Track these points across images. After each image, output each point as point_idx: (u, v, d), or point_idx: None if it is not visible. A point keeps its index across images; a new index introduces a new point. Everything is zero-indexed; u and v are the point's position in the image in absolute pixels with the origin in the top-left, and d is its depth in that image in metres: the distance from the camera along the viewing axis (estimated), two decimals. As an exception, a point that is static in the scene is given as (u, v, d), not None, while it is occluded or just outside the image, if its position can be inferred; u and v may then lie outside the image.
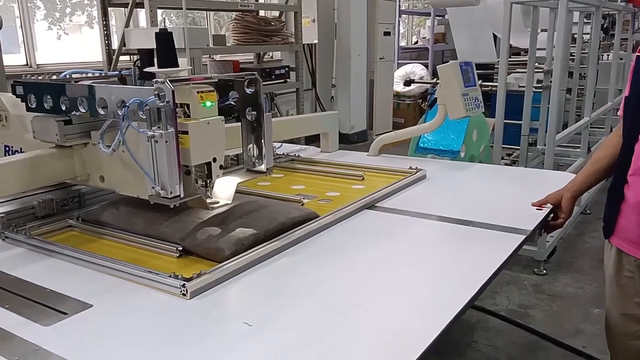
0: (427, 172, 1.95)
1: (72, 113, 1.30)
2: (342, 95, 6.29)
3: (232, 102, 1.40)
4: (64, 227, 1.43)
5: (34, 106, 1.37)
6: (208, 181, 1.24)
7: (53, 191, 1.51)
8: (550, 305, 2.82)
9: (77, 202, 1.54)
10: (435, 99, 2.11)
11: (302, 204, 1.63)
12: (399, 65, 7.95)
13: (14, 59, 4.37)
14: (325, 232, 1.42)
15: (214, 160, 1.23)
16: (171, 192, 1.14)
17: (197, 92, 1.19)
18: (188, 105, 1.20)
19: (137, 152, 1.18)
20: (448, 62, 2.15)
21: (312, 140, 2.60)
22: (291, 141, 2.54)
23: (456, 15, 4.43)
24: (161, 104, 1.13)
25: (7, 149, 1.60)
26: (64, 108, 1.31)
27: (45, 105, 1.35)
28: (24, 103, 1.40)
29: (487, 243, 1.38)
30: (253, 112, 1.37)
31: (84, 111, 1.28)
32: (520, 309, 2.78)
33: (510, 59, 3.34)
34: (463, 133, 2.63)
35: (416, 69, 7.74)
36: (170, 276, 1.08)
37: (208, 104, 1.21)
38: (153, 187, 1.14)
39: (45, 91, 1.34)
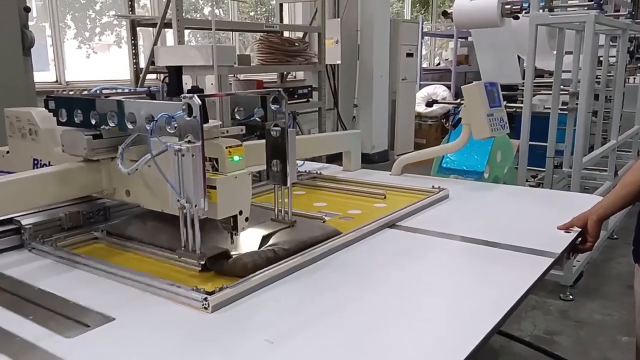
0: (451, 192, 1.93)
1: (102, 127, 1.33)
2: (364, 115, 6.31)
3: (257, 119, 1.41)
4: (90, 239, 1.44)
5: (64, 120, 1.41)
6: (233, 233, 1.24)
7: (79, 204, 1.53)
8: (577, 331, 2.74)
9: (102, 215, 1.56)
10: (460, 119, 2.10)
11: (324, 221, 1.62)
12: (421, 87, 7.96)
13: (45, 76, 4.51)
14: (347, 249, 1.41)
15: (240, 212, 1.24)
16: (195, 205, 1.15)
17: (226, 147, 1.21)
18: (217, 160, 1.22)
19: (163, 166, 1.20)
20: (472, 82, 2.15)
21: (334, 159, 2.61)
22: (313, 159, 2.55)
23: (480, 36, 4.44)
24: (189, 118, 1.15)
25: (35, 162, 1.64)
26: (93, 122, 1.34)
27: (75, 119, 1.38)
28: (54, 117, 1.44)
29: (514, 266, 1.35)
30: (277, 129, 1.38)
31: (113, 125, 1.30)
32: (545, 335, 2.71)
33: (534, 81, 3.31)
34: (487, 154, 2.61)
35: (438, 90, 7.74)
36: (192, 289, 1.08)
37: (236, 158, 1.23)
38: (178, 200, 1.15)
39: (76, 106, 1.38)
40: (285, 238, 1.33)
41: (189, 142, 1.15)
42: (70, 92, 1.45)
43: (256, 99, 1.39)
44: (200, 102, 1.13)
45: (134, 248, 1.37)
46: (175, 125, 1.18)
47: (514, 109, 3.81)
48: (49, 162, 1.60)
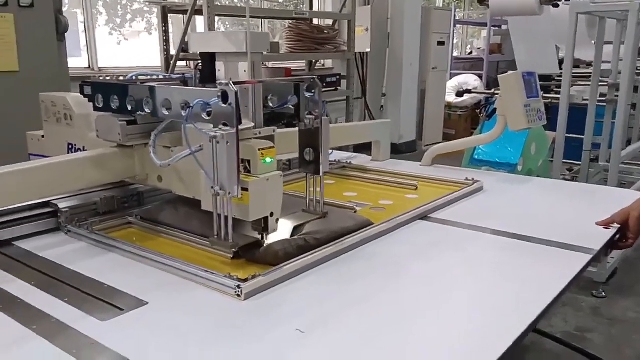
0: (484, 185, 1.89)
1: (137, 113, 1.34)
2: (392, 105, 6.24)
3: (290, 107, 1.40)
4: (124, 224, 1.46)
5: (100, 106, 1.42)
6: (264, 234, 1.24)
7: (114, 189, 1.55)
8: (609, 329, 2.67)
9: (136, 200, 1.58)
10: (495, 109, 2.05)
11: (355, 211, 1.61)
12: (452, 76, 7.83)
13: (77, 62, 4.58)
14: (378, 241, 1.39)
15: (271, 214, 1.23)
16: (229, 193, 1.14)
17: (259, 150, 1.21)
18: (249, 162, 1.21)
19: (198, 153, 1.20)
20: (507, 72, 2.09)
21: (361, 149, 2.58)
22: (340, 149, 2.53)
23: (517, 25, 4.31)
24: (224, 105, 1.14)
25: (70, 147, 1.66)
26: (129, 108, 1.35)
27: (112, 105, 1.39)
28: (90, 103, 1.45)
29: (550, 262, 1.31)
30: (311, 117, 1.37)
31: (149, 111, 1.31)
32: (577, 332, 2.65)
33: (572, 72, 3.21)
34: (521, 146, 2.54)
35: (469, 80, 7.60)
36: (225, 276, 1.09)
37: (268, 160, 1.22)
38: (212, 187, 1.15)
39: (112, 92, 1.39)
40: (317, 228, 1.32)
41: (223, 129, 1.14)
42: (107, 78, 1.46)
43: (289, 87, 1.38)
44: (236, 89, 1.13)
45: (167, 233, 1.38)
46: (211, 112, 1.17)
47: (549, 100, 3.70)
48: (83, 147, 1.62)
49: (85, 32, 4.56)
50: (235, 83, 1.14)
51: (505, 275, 1.26)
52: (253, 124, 1.31)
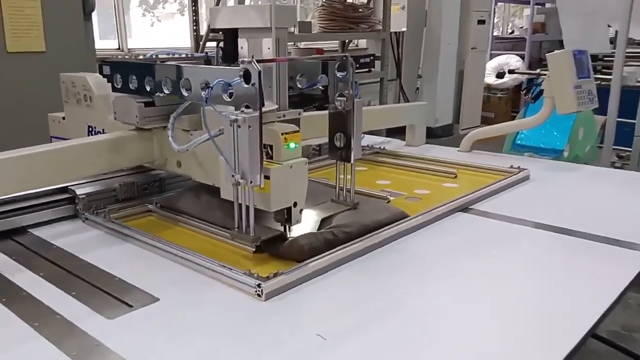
0: (530, 172, 1.74)
1: (156, 94, 1.25)
2: (428, 87, 6.02)
3: (320, 87, 1.29)
4: (143, 211, 1.39)
5: (119, 86, 1.34)
6: (287, 225, 1.14)
7: (135, 174, 1.48)
8: (660, 329, 2.49)
9: (157, 186, 1.50)
10: (541, 90, 1.88)
11: (389, 202, 1.49)
12: (492, 56, 7.52)
13: (109, 44, 4.55)
14: (414, 235, 1.28)
15: (295, 204, 1.13)
16: (251, 182, 1.04)
17: (282, 134, 1.10)
18: (271, 147, 1.11)
19: (218, 138, 1.10)
20: (553, 51, 1.91)
21: (394, 133, 2.45)
22: (372, 133, 2.41)
23: (566, 1, 4.04)
24: (246, 86, 1.04)
25: (90, 129, 1.59)
26: (148, 89, 1.26)
27: (130, 85, 1.30)
28: (109, 83, 1.37)
29: (606, 260, 1.17)
30: (342, 99, 1.25)
31: (168, 92, 1.21)
32: (624, 331, 2.48)
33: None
34: (568, 130, 2.36)
35: (511, 61, 7.28)
36: (245, 273, 0.99)
37: (292, 145, 1.12)
38: (233, 176, 1.05)
39: (130, 71, 1.30)
40: (347, 221, 1.21)
41: (245, 111, 1.04)
42: (126, 57, 1.36)
43: (318, 66, 1.26)
44: (260, 69, 1.02)
45: (187, 223, 1.30)
46: (232, 93, 1.07)
47: (598, 82, 3.45)
48: (103, 130, 1.55)
49: (115, 13, 4.52)
50: (258, 61, 1.03)
51: (556, 274, 1.12)
52: (277, 106, 1.21)
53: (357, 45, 5.94)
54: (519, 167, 1.76)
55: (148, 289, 1.00)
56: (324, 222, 1.22)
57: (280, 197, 1.10)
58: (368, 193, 1.51)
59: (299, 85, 1.31)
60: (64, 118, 1.72)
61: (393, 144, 2.26)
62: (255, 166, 1.04)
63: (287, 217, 1.15)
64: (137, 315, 0.92)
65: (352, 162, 1.27)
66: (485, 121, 6.73)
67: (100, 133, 1.57)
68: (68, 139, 1.61)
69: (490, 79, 7.08)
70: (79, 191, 1.35)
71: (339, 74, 1.24)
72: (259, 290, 0.96)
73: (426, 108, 2.31)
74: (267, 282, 0.97)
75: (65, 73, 1.66)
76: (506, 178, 1.66)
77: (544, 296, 1.03)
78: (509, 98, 7.21)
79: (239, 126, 1.03)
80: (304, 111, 1.34)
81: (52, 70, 1.95)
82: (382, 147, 2.09)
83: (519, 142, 2.49)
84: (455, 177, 1.75)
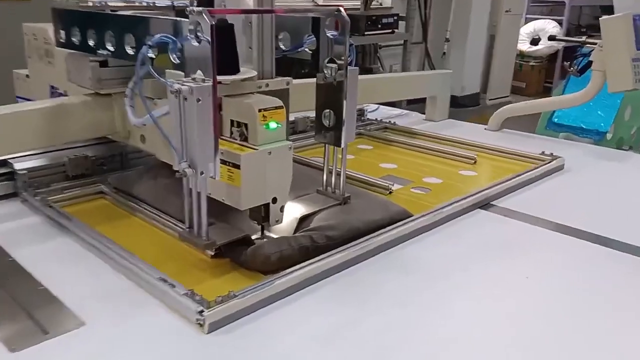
0: (566, 160, 1.46)
1: (99, 52, 1.00)
2: (456, 52, 5.62)
3: (306, 50, 1.02)
4: (94, 192, 1.17)
5: (63, 41, 1.09)
6: (264, 225, 0.91)
7: (90, 146, 1.25)
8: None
9: (118, 161, 1.27)
10: (589, 62, 1.57)
11: (390, 192, 1.24)
12: (527, 21, 7.00)
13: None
14: (418, 239, 1.03)
15: (274, 201, 0.89)
16: (202, 172, 0.80)
17: (259, 110, 0.85)
18: (246, 126, 0.86)
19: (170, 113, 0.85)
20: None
21: (417, 102, 2.17)
22: (390, 104, 2.13)
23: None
24: (196, 44, 0.78)
25: (52, 90, 1.36)
26: (92, 44, 1.01)
27: (73, 39, 1.06)
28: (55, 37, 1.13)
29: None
30: (333, 65, 0.98)
31: (111, 50, 0.96)
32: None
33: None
34: (615, 110, 2.04)
35: (547, 26, 6.76)
36: (186, 294, 0.76)
37: (272, 125, 0.87)
38: (180, 163, 0.82)
39: (73, 22, 1.05)
40: (332, 221, 0.97)
41: (196, 80, 0.79)
42: (79, 3, 1.11)
43: (306, 22, 1.00)
44: (211, 19, 0.76)
45: (142, 213, 1.07)
46: (180, 54, 0.82)
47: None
48: (65, 92, 1.32)
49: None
50: (223, 11, 0.77)
51: (602, 301, 0.87)
52: (255, 73, 0.95)
53: (380, 4, 5.53)
54: (551, 154, 1.48)
55: (75, 305, 0.78)
56: (303, 221, 0.98)
57: (253, 192, 0.86)
58: (366, 180, 1.26)
59: (282, 47, 1.05)
60: (27, 76, 1.49)
61: (410, 119, 1.98)
62: (207, 151, 0.80)
63: (263, 215, 0.91)
64: (50, 348, 0.70)
65: (342, 146, 1.02)
66: (516, 91, 6.32)
67: (63, 95, 1.34)
68: (32, 100, 1.40)
69: (524, 46, 6.61)
70: (19, 165, 1.13)
71: (330, 34, 0.97)
72: (200, 320, 0.73)
73: (450, 77, 2.01)
74: (212, 309, 0.74)
75: (28, 23, 1.42)
76: (536, 168, 1.39)
77: (585, 329, 0.78)
78: (542, 67, 6.75)
79: (185, 98, 0.78)
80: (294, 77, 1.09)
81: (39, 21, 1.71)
82: (393, 122, 1.82)
83: (555, 120, 2.18)
84: (475, 162, 1.48)
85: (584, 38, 1.96)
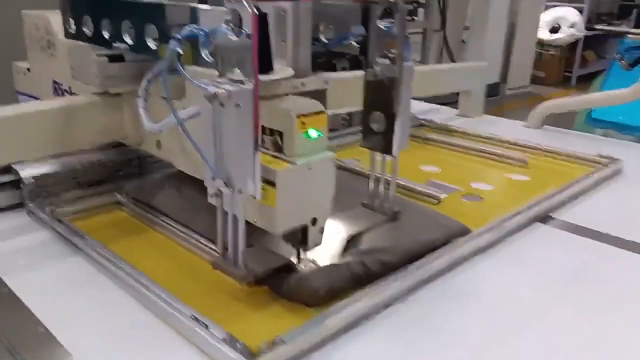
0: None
1: (115, 45, 0.87)
2: (475, 40, 5.43)
3: (353, 43, 0.89)
4: (111, 203, 1.04)
5: (72, 32, 0.96)
6: (301, 249, 0.78)
7: (105, 151, 1.12)
8: None
9: (136, 165, 1.15)
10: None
11: (439, 201, 1.11)
12: (546, 8, 6.77)
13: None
14: (479, 259, 0.90)
15: (314, 222, 0.76)
16: (240, 191, 0.68)
17: (297, 117, 0.71)
18: (281, 135, 0.73)
19: (200, 120, 0.72)
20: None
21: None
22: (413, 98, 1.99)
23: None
24: (235, 38, 0.65)
25: (55, 87, 1.23)
26: (107, 36, 0.88)
27: (85, 30, 0.93)
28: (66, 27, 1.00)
29: None
30: (385, 61, 0.85)
31: (131, 43, 0.83)
32: None
33: None
34: (664, 105, 1.88)
35: (568, 14, 6.53)
36: (224, 339, 0.64)
37: (312, 134, 0.73)
38: (213, 179, 0.69)
39: (86, 9, 0.92)
40: (384, 242, 0.84)
41: (233, 81, 0.66)
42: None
43: (355, 12, 0.86)
44: (256, 11, 0.63)
45: (165, 228, 0.95)
46: (214, 49, 0.69)
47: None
48: (70, 89, 1.19)
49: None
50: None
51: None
52: (292, 72, 0.82)
53: (398, -9, 5.34)
54: (609, 157, 1.34)
55: (83, 354, 0.66)
56: (351, 242, 0.85)
57: (290, 213, 0.74)
58: (411, 188, 1.13)
59: (323, 39, 0.91)
60: (28, 69, 1.36)
61: (442, 114, 1.84)
62: (248, 167, 0.67)
63: (302, 238, 0.78)
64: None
65: (394, 154, 0.88)
66: (535, 81, 6.13)
67: (67, 93, 1.21)
68: (34, 97, 1.28)
69: (543, 34, 6.40)
70: (25, 172, 1.01)
71: (382, 25, 0.84)
72: (242, 373, 0.61)
73: (486, 70, 1.87)
74: (257, 358, 0.61)
75: (27, 11, 1.29)
76: (594, 172, 1.25)
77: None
78: (562, 56, 6.54)
79: (222, 104, 0.65)
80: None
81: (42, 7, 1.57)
82: (429, 120, 1.68)
83: (595, 115, 2.03)
84: (526, 165, 1.34)
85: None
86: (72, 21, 0.95)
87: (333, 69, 1.15)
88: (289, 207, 0.73)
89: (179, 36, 0.66)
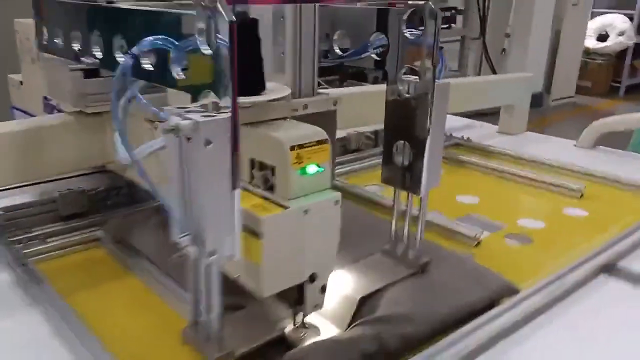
0: None
1: (82, 59, 0.72)
2: (517, 48, 5.16)
3: (373, 55, 0.72)
4: (90, 240, 0.90)
5: (46, 43, 0.83)
6: (296, 313, 0.62)
7: (90, 175, 0.99)
8: None
9: (125, 194, 1.00)
10: None
11: (478, 243, 0.92)
12: (593, 15, 6.42)
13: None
14: (529, 328, 0.71)
15: (312, 278, 0.59)
16: (213, 251, 0.51)
17: (292, 149, 0.56)
18: (273, 170, 0.57)
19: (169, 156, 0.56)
20: None
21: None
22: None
23: None
24: (208, 51, 0.49)
25: (46, 102, 1.11)
26: (77, 49, 0.74)
27: (56, 41, 0.79)
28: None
29: None
30: (412, 78, 0.68)
31: (99, 58, 0.68)
32: None
33: None
34: None
35: (616, 21, 6.17)
36: None
37: (311, 169, 0.58)
38: (179, 235, 0.53)
39: (55, 15, 0.78)
40: (407, 306, 0.66)
41: (205, 109, 0.50)
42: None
43: (371, 16, 0.69)
44: (231, 14, 0.47)
45: (143, 271, 0.80)
46: (184, 66, 0.53)
47: None
48: (58, 105, 1.06)
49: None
50: (232, 1, 0.48)
51: None
52: (289, 91, 0.66)
53: (435, -3, 5.14)
54: (685, 187, 1.12)
55: None
56: (363, 303, 0.68)
57: (280, 271, 0.57)
58: (444, 226, 0.95)
59: (337, 50, 0.75)
60: (22, 83, 1.25)
61: (480, 131, 1.64)
62: (222, 220, 0.51)
63: (297, 296, 0.62)
64: None
65: (422, 194, 0.71)
66: (581, 91, 5.79)
67: (56, 109, 1.09)
68: (28, 113, 1.16)
69: (590, 42, 6.06)
70: (-5, 204, 0.88)
71: (408, 33, 0.66)
72: None
73: (532, 81, 1.67)
74: None
75: (19, 19, 1.18)
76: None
77: None
78: (610, 65, 6.17)
79: (189, 139, 0.49)
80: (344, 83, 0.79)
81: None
82: (466, 138, 1.49)
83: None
84: (582, 196, 1.14)
85: None
86: (44, 30, 0.81)
87: (364, 79, 0.98)
88: (279, 263, 0.57)
89: (134, 50, 0.50)
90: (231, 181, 0.50)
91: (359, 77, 3.00)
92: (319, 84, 0.76)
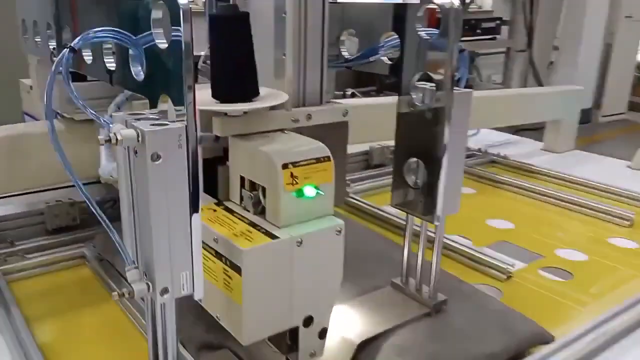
0: None
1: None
2: (565, 61, 4.90)
3: (384, 59, 0.62)
4: (75, 257, 0.83)
5: (39, 40, 0.76)
6: (290, 356, 0.52)
7: (84, 185, 0.92)
8: None
9: (117, 206, 0.93)
10: None
11: (509, 277, 0.80)
12: (648, 27, 6.08)
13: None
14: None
15: (308, 322, 0.50)
16: (165, 289, 0.42)
17: (284, 167, 0.47)
18: (264, 190, 0.48)
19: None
20: None
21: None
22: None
23: None
24: (163, 45, 0.41)
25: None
26: (51, 46, 0.67)
27: (37, 40, 0.72)
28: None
29: None
30: (427, 86, 0.57)
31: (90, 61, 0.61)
32: None
33: None
34: None
35: (675, 33, 5.82)
36: None
37: (308, 191, 0.49)
38: (127, 269, 0.44)
39: (39, 13, 0.72)
40: (418, 354, 0.55)
41: (161, 116, 0.41)
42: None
43: (386, 15, 0.59)
44: (187, 4, 0.38)
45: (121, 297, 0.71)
46: (142, 66, 0.45)
47: None
48: (59, 111, 1.00)
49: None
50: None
51: None
52: (286, 98, 0.56)
53: (480, 7, 4.98)
54: None
55: None
56: (365, 347, 0.57)
57: (266, 314, 0.48)
58: (470, 255, 0.83)
59: (344, 54, 0.65)
60: (31, 87, 1.20)
61: (521, 147, 1.51)
62: (176, 253, 0.41)
63: (290, 342, 0.52)
64: None
65: (437, 222, 0.59)
66: (634, 108, 5.47)
67: (58, 115, 1.03)
68: (36, 119, 1.12)
69: (645, 55, 5.72)
70: (-21, 215, 0.82)
71: (424, 33, 0.56)
72: None
73: (582, 95, 1.52)
74: None
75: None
76: None
77: None
78: (667, 79, 5.80)
79: (136, 152, 0.40)
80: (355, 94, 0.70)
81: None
82: (502, 155, 1.36)
83: None
84: (631, 225, 0.99)
85: None
86: (31, 29, 0.75)
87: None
88: (264, 304, 0.47)
89: (73, 43, 0.42)
90: (189, 204, 0.41)
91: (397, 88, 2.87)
92: (353, 95, 0.66)
